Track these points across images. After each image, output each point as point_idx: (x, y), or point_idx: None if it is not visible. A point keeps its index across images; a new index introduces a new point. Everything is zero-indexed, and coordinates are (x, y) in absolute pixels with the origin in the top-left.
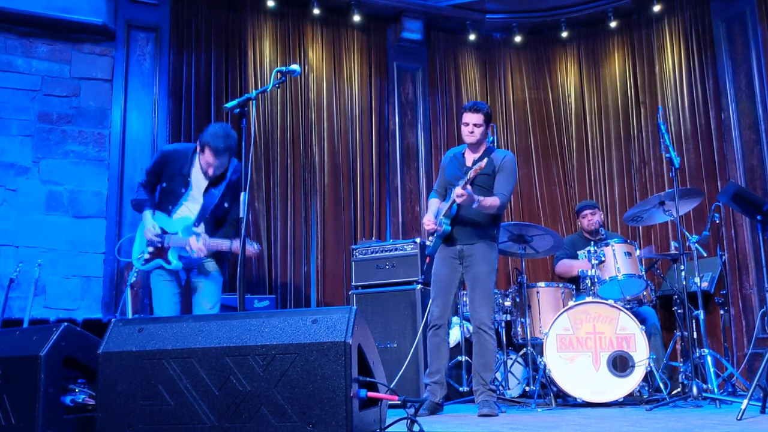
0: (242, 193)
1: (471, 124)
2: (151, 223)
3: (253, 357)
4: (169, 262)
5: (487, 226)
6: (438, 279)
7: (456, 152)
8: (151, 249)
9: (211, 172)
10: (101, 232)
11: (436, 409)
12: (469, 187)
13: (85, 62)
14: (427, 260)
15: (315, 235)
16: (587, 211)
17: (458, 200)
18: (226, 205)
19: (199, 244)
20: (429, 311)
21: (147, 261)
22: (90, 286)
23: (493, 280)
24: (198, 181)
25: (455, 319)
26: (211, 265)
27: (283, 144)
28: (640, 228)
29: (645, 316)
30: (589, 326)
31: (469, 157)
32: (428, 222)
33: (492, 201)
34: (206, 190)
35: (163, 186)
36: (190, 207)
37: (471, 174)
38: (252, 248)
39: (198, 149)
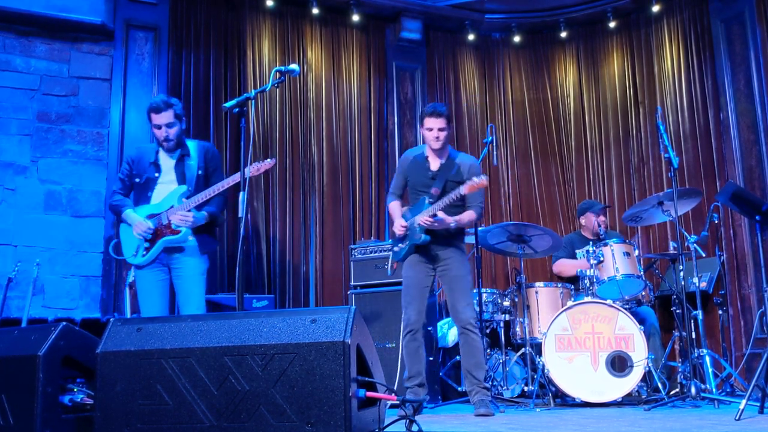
0: (241, 193)
1: (435, 129)
2: (136, 219)
3: (252, 357)
4: (177, 232)
5: (458, 229)
6: (411, 283)
7: (417, 155)
8: (147, 242)
9: (163, 135)
10: (100, 231)
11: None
12: (440, 213)
13: (83, 61)
14: (395, 266)
15: (314, 235)
16: (601, 214)
17: (434, 226)
18: (200, 172)
19: (179, 214)
20: (405, 316)
21: (147, 250)
22: (88, 285)
23: (471, 280)
24: (167, 163)
25: None
26: (191, 243)
27: (282, 143)
28: (639, 228)
29: (644, 316)
30: (587, 326)
31: (434, 162)
32: (401, 229)
33: (469, 216)
34: (176, 167)
35: (137, 181)
36: (168, 186)
37: (448, 199)
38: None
39: (152, 128)
